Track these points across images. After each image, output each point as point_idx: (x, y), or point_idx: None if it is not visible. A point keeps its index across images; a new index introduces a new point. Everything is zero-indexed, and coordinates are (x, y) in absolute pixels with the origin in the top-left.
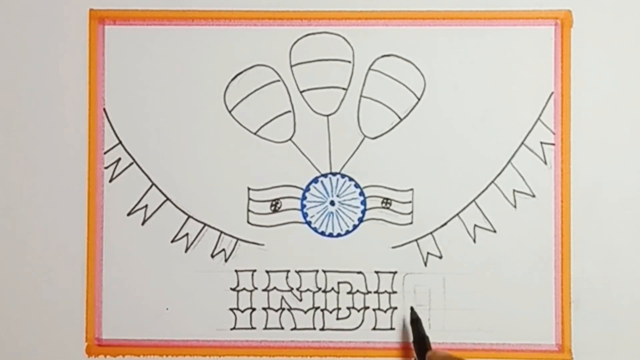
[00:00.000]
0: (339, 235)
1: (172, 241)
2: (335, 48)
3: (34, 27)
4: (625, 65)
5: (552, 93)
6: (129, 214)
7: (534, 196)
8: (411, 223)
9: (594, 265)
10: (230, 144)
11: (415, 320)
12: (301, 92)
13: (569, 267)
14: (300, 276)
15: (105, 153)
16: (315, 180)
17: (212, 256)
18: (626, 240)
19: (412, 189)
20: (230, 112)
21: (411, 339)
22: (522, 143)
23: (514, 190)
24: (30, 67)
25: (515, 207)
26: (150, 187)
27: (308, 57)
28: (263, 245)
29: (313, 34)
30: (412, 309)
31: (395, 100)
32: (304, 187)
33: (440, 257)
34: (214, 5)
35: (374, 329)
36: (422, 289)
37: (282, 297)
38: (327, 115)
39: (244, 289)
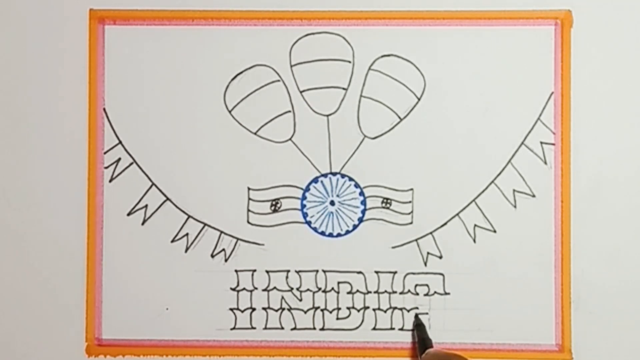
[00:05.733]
0: (339, 235)
1: (172, 241)
2: (335, 48)
3: (34, 27)
4: (625, 65)
5: (552, 93)
6: (129, 214)
7: (534, 196)
8: (411, 223)
9: (594, 265)
10: (230, 144)
11: (419, 325)
12: (301, 92)
13: (569, 267)
14: (300, 276)
15: (105, 153)
16: (315, 180)
17: (212, 256)
18: (626, 240)
19: (412, 189)
20: (230, 112)
21: (414, 339)
22: (522, 143)
23: (514, 190)
24: (30, 67)
25: (515, 207)
26: (150, 187)
27: (308, 57)
28: (263, 245)
29: (313, 34)
30: (416, 315)
31: (395, 100)
32: (304, 187)
33: (440, 257)
34: (214, 5)
35: (374, 329)
36: (422, 289)
37: (282, 297)
38: (327, 115)
39: (244, 289)
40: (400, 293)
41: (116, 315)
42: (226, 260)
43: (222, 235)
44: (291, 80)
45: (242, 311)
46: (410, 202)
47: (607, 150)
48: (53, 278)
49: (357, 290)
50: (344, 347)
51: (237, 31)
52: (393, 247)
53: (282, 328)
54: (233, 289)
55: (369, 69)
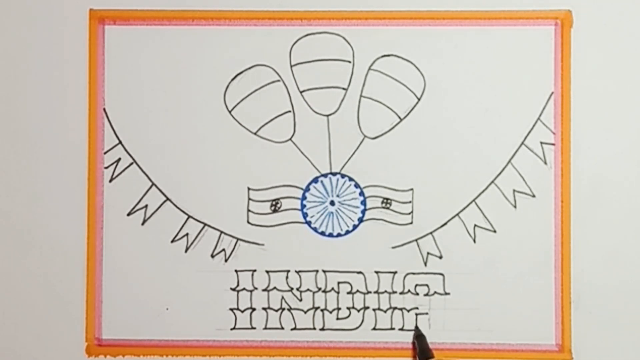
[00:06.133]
0: (339, 235)
1: (172, 241)
2: (335, 48)
3: (34, 27)
4: (625, 65)
5: (552, 93)
6: (129, 214)
7: (534, 196)
8: (411, 223)
9: (594, 265)
10: (230, 144)
11: (419, 336)
12: (301, 92)
13: (569, 267)
14: (300, 276)
15: (105, 153)
16: (315, 180)
17: (212, 256)
18: (626, 240)
19: (412, 189)
20: (230, 112)
21: (412, 339)
22: (522, 143)
23: (514, 190)
24: (30, 67)
25: (515, 207)
26: (150, 187)
27: (308, 57)
28: (263, 245)
29: (313, 34)
30: (416, 327)
31: (395, 100)
32: (304, 187)
33: (440, 257)
34: (214, 5)
35: (374, 329)
36: (422, 289)
37: (282, 297)
38: (327, 115)
39: (244, 289)
40: (400, 293)
41: (116, 315)
42: (226, 260)
43: (222, 235)
44: (291, 80)
45: (242, 311)
46: (410, 202)
47: (607, 150)
48: (53, 278)
49: (357, 291)
50: (344, 347)
51: (237, 31)
52: (393, 247)
53: (282, 328)
54: (233, 289)
55: (369, 69)
